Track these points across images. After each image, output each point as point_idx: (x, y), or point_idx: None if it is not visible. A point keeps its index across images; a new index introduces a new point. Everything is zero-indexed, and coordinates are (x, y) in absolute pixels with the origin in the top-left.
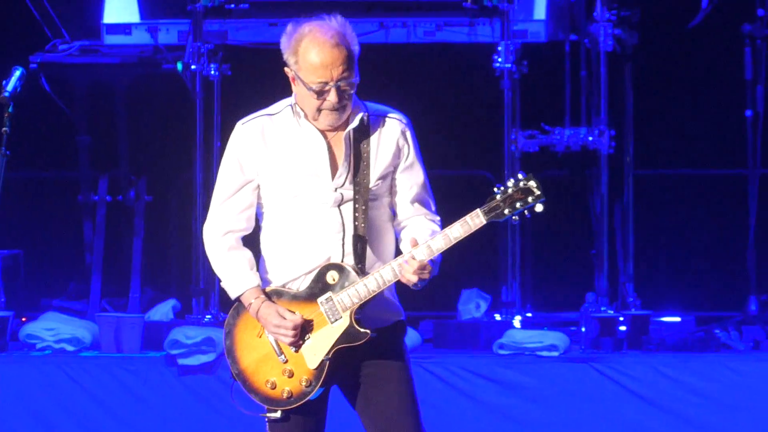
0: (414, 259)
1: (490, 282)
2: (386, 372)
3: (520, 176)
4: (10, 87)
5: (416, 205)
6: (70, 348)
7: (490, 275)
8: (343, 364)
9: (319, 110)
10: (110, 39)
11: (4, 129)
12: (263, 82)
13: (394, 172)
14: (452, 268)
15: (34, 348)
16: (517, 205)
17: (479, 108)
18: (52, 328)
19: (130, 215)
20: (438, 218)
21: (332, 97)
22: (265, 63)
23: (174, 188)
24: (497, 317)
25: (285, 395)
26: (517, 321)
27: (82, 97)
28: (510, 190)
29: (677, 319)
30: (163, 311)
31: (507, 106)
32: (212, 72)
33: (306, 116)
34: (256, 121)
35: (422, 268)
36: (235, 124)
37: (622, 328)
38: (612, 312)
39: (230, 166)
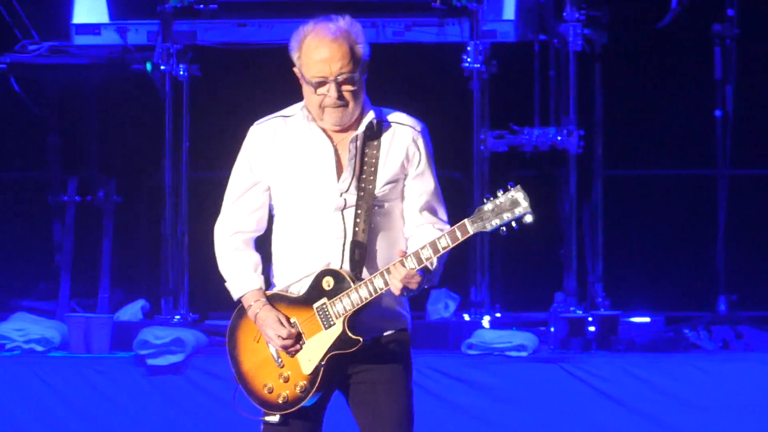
0: (403, 266)
1: (459, 282)
2: (382, 382)
3: (508, 187)
4: None
5: (425, 213)
6: (39, 348)
7: (459, 275)
8: (341, 370)
9: (321, 108)
10: (80, 39)
11: None
12: (232, 82)
13: (404, 179)
14: None
15: (3, 348)
16: (505, 216)
17: (448, 108)
18: (21, 329)
19: (100, 216)
20: (447, 227)
21: (332, 92)
22: (235, 63)
23: (143, 189)
24: (466, 317)
25: (281, 400)
26: (486, 321)
27: (51, 98)
28: (498, 201)
29: (646, 319)
30: (132, 311)
31: (476, 106)
32: (181, 72)
33: (313, 118)
34: (269, 122)
35: (409, 276)
36: (205, 124)
37: (591, 328)
38: (581, 312)
39: (241, 166)
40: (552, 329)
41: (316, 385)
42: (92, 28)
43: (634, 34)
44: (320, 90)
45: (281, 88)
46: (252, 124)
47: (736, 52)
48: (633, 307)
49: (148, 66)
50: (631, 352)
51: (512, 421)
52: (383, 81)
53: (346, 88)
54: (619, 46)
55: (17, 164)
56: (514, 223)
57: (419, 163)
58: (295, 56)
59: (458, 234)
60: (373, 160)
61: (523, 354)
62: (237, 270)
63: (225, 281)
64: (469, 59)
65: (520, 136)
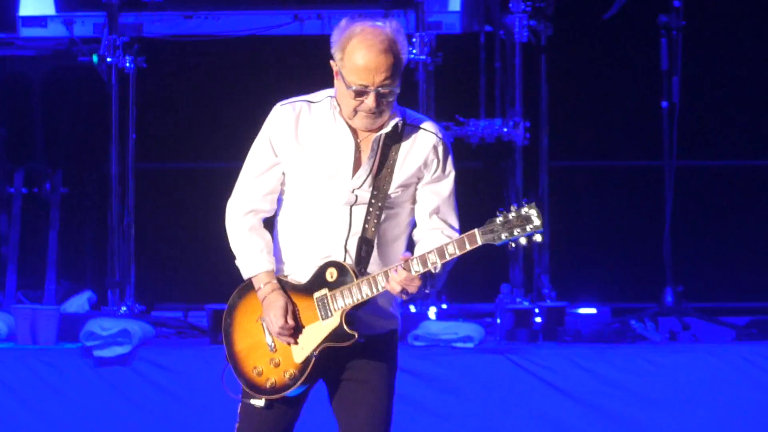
0: (404, 269)
1: None
2: (367, 381)
3: (522, 203)
4: None
5: (435, 218)
6: None
7: None
8: (330, 363)
9: (355, 111)
10: (26, 32)
11: None
12: (179, 74)
13: (417, 183)
14: None
15: None
16: (516, 231)
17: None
18: None
19: (46, 207)
20: (456, 235)
21: (370, 102)
22: (181, 55)
23: (90, 180)
24: (412, 309)
25: (268, 384)
26: (432, 312)
27: None
28: (510, 216)
29: (593, 310)
30: (78, 303)
31: (421, 98)
32: (127, 64)
33: (341, 111)
34: (294, 104)
35: (409, 279)
36: (151, 115)
37: (538, 319)
38: (527, 303)
39: (262, 145)
40: (498, 320)
41: (305, 374)
42: (38, 21)
43: (580, 25)
44: (359, 97)
45: (228, 80)
46: (199, 114)
47: (682, 42)
48: (579, 298)
49: (95, 58)
50: (577, 344)
51: (458, 412)
52: (327, 71)
53: (385, 99)
54: (565, 37)
55: None
56: (523, 240)
57: (437, 169)
58: (336, 54)
59: (467, 243)
60: (391, 162)
61: (469, 345)
62: (250, 250)
63: (235, 258)
64: (414, 51)
65: (466, 127)
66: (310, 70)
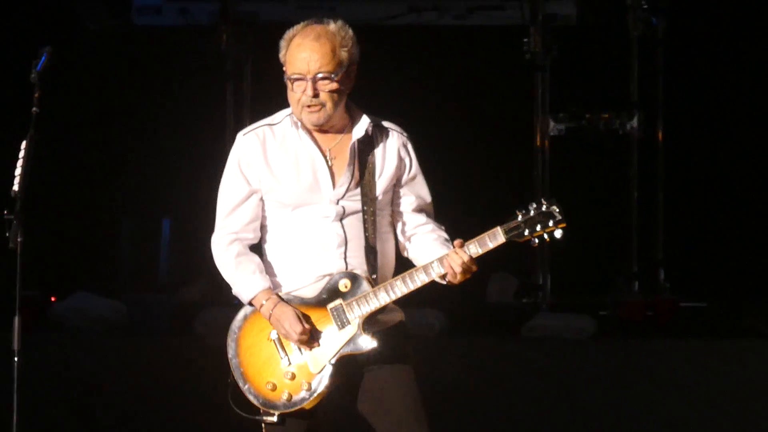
0: (465, 253)
1: None
2: (394, 374)
3: (543, 200)
4: (39, 67)
5: (422, 214)
6: None
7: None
8: (346, 370)
9: (300, 106)
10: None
11: (33, 109)
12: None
13: (397, 184)
14: None
15: None
16: (538, 228)
17: (508, 92)
18: None
19: None
20: (443, 227)
21: (309, 91)
22: None
23: None
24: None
25: (284, 397)
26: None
27: None
28: (532, 212)
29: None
30: (191, 292)
31: (539, 90)
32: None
33: (302, 125)
34: (257, 131)
35: (471, 262)
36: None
37: (650, 312)
38: (641, 296)
39: (233, 177)
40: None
41: (323, 384)
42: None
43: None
44: (297, 86)
45: None
46: None
47: None
48: (692, 292)
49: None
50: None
51: (570, 402)
52: (440, 61)
53: (323, 86)
54: (682, 31)
55: None
56: (546, 236)
57: (411, 166)
58: (282, 56)
59: (488, 241)
60: (371, 166)
61: (583, 337)
62: (242, 274)
63: (231, 289)
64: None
65: (582, 120)
66: (424, 60)
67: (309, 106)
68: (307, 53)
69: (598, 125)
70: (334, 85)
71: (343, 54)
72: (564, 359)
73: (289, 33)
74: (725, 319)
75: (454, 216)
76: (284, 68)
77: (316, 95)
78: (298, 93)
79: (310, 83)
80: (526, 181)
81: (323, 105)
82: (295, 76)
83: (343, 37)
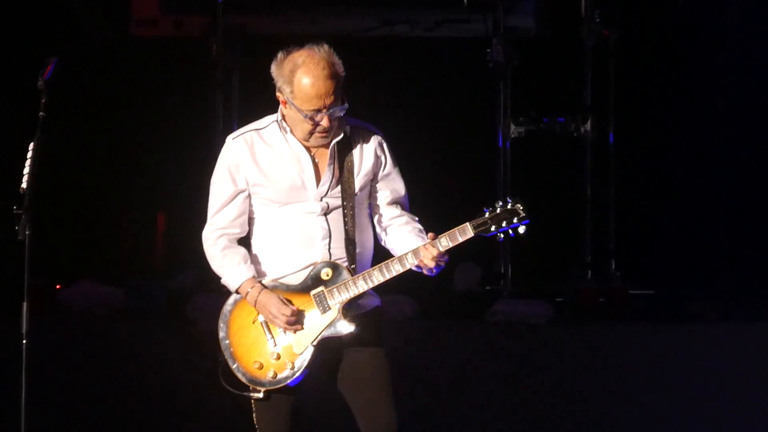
0: (434, 247)
1: None
2: (368, 357)
3: (508, 199)
4: (46, 75)
5: (397, 207)
6: None
7: None
8: (327, 350)
9: (310, 133)
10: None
11: (41, 114)
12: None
13: (374, 180)
14: None
15: None
16: (503, 224)
17: (470, 98)
18: None
19: None
20: (417, 218)
21: (325, 123)
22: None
23: None
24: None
25: (270, 375)
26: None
27: None
28: (498, 210)
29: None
30: (185, 279)
31: (502, 98)
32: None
33: (292, 132)
34: (244, 135)
35: (441, 255)
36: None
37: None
38: (593, 283)
39: (222, 178)
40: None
41: (305, 362)
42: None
43: (647, 30)
44: (311, 119)
45: None
46: None
47: None
48: (640, 280)
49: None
50: (638, 322)
51: (531, 383)
52: (415, 72)
53: (334, 114)
54: (632, 41)
55: None
56: (510, 231)
57: (385, 163)
58: (285, 88)
59: (458, 235)
60: (349, 164)
61: (541, 322)
62: (229, 265)
63: (219, 279)
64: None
65: (541, 124)
66: (396, 69)
67: (322, 134)
68: (323, 91)
69: (555, 128)
70: (344, 109)
71: (342, 77)
72: (524, 342)
73: (287, 63)
74: (671, 306)
75: (424, 210)
76: (290, 101)
77: (330, 124)
78: (309, 124)
79: (327, 117)
80: (489, 178)
81: (332, 129)
82: (312, 114)
83: (339, 63)
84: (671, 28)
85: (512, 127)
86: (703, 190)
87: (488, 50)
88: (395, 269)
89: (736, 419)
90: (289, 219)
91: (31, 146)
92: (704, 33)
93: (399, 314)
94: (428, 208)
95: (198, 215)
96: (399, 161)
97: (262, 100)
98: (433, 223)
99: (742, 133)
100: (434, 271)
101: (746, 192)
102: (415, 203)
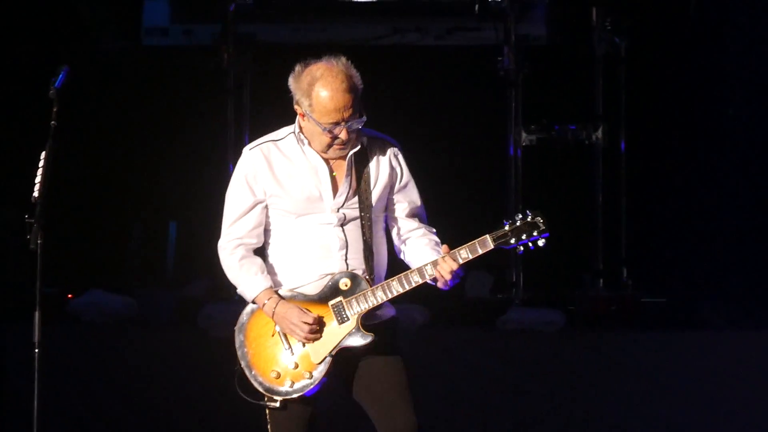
0: (453, 260)
1: None
2: (385, 365)
3: (528, 211)
4: (58, 84)
5: (416, 219)
6: None
7: None
8: (345, 361)
9: (328, 145)
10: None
11: (52, 123)
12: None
13: (390, 191)
14: None
15: None
16: (523, 236)
17: (482, 106)
18: None
19: None
20: (434, 230)
21: (344, 135)
22: (290, 62)
23: None
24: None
25: (287, 384)
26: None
27: None
28: (518, 223)
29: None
30: (196, 288)
31: (513, 105)
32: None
33: (310, 143)
34: (262, 146)
35: (458, 267)
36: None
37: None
38: (605, 292)
39: (240, 188)
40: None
41: (323, 372)
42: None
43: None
44: (332, 133)
45: None
46: None
47: None
48: (654, 288)
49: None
50: (651, 330)
51: (542, 390)
52: (426, 81)
53: (355, 129)
54: (642, 49)
55: None
56: (530, 244)
57: (402, 175)
58: (303, 101)
59: (478, 247)
60: (366, 176)
61: (553, 329)
62: (246, 275)
63: (236, 289)
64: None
65: (552, 131)
66: (407, 77)
67: (340, 146)
68: (341, 104)
69: (567, 136)
70: (362, 121)
71: (360, 90)
72: (535, 350)
73: (305, 76)
74: (683, 314)
75: (438, 219)
76: (308, 113)
77: (348, 137)
78: (328, 137)
79: (345, 129)
80: (500, 186)
81: (350, 141)
82: (331, 127)
83: (356, 75)
84: (682, 36)
85: (523, 135)
86: (715, 197)
87: (499, 58)
88: (414, 280)
89: (748, 426)
90: (306, 229)
91: (42, 155)
92: (715, 40)
93: (410, 322)
94: (439, 215)
95: (209, 223)
96: (410, 171)
97: (273, 108)
98: (444, 231)
99: (753, 141)
100: (449, 284)
101: (758, 199)
102: (427, 211)
